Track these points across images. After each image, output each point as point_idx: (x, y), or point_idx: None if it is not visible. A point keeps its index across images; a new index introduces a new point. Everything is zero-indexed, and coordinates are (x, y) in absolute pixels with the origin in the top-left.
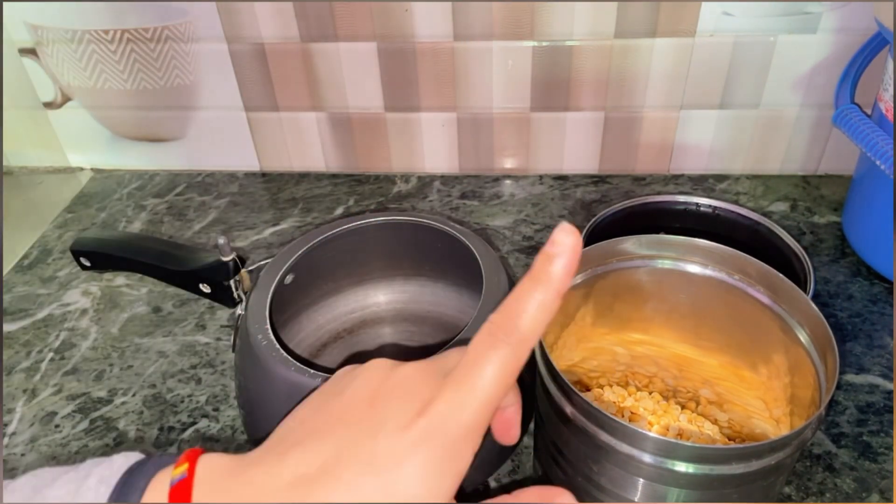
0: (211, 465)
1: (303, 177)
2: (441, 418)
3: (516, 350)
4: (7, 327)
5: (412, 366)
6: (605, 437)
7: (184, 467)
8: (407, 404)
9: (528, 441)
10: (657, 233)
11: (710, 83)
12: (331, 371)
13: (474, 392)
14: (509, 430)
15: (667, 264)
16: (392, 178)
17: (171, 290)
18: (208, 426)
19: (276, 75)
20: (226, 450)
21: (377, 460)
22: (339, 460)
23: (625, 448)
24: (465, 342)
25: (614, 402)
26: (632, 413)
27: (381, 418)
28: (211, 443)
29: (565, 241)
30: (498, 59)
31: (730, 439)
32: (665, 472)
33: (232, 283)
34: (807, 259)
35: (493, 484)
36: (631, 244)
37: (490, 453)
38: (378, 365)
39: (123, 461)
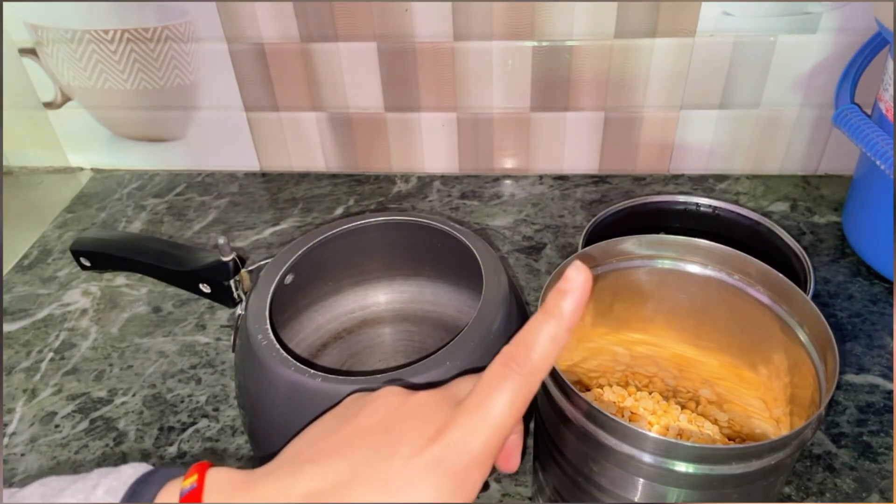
0: (219, 478)
1: (303, 177)
2: (454, 445)
3: (528, 380)
4: (7, 327)
5: (425, 394)
6: (605, 437)
7: (193, 478)
8: (420, 430)
9: (528, 441)
10: (657, 233)
11: (710, 83)
12: (331, 371)
13: (487, 420)
14: (510, 459)
15: (667, 264)
16: (392, 178)
17: (171, 290)
18: (208, 426)
19: (276, 75)
20: (236, 462)
21: (391, 483)
22: (353, 480)
23: (625, 448)
24: (464, 342)
25: (614, 402)
26: (632, 413)
27: (396, 443)
28: (211, 442)
29: (576, 279)
30: (498, 59)
31: (730, 439)
32: (665, 472)
33: (232, 283)
34: (807, 259)
35: (492, 483)
36: (631, 244)
37: None
38: (391, 391)
39: (132, 472)
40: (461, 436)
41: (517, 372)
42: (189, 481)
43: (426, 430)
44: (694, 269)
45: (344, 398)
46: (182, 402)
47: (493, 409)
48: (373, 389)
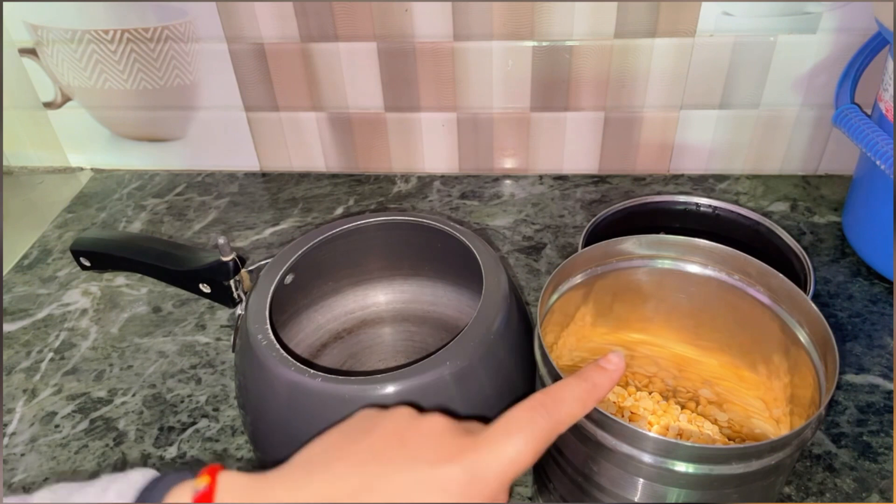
0: (231, 480)
1: (303, 177)
2: (471, 468)
3: (550, 429)
4: (7, 327)
5: (438, 417)
6: (605, 437)
7: (205, 479)
8: (437, 450)
9: None
10: (657, 233)
11: (710, 83)
12: (331, 371)
13: (506, 452)
14: None
15: (667, 264)
16: (392, 178)
17: (171, 290)
18: (208, 426)
19: (276, 75)
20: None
21: (410, 492)
22: (371, 488)
23: (625, 448)
24: (464, 342)
25: (614, 402)
26: (632, 413)
27: (412, 457)
28: (211, 443)
29: (616, 363)
30: (498, 59)
31: (730, 439)
32: (665, 472)
33: (232, 283)
34: (807, 259)
35: None
36: (631, 244)
37: None
38: (404, 410)
39: (140, 477)
40: (480, 461)
41: (543, 417)
42: (201, 481)
43: (443, 450)
44: (694, 269)
45: (354, 411)
46: (182, 402)
47: (513, 444)
48: (383, 406)
